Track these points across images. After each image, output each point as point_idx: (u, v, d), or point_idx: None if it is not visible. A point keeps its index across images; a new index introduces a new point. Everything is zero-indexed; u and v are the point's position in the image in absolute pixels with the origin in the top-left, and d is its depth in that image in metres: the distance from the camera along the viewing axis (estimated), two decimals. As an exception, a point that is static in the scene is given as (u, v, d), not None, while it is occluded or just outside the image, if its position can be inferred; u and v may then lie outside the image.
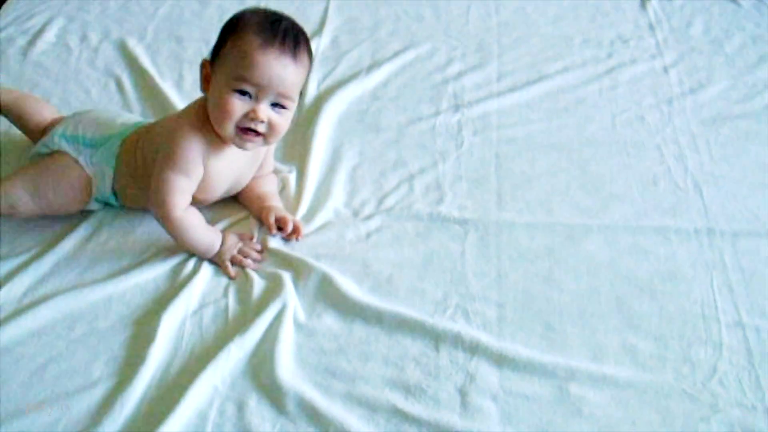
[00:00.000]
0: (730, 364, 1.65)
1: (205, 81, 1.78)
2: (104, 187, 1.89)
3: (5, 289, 1.75)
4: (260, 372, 1.60)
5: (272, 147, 1.98)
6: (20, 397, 1.55)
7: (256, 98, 1.72)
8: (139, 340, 1.65)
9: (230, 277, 1.80)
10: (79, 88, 2.37)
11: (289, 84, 1.73)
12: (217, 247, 1.82)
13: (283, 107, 1.75)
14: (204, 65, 1.78)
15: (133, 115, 2.11)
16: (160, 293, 1.76)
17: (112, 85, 2.38)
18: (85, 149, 1.88)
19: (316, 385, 1.58)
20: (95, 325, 1.69)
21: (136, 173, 1.86)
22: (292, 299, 1.73)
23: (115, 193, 1.90)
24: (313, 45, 2.51)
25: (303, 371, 1.61)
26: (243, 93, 1.71)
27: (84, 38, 2.59)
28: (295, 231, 1.89)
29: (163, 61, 2.49)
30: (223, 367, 1.60)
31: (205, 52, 2.39)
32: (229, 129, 1.74)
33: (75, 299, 1.73)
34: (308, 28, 2.59)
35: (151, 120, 2.02)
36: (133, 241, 1.88)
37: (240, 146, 1.79)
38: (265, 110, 1.73)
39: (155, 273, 1.80)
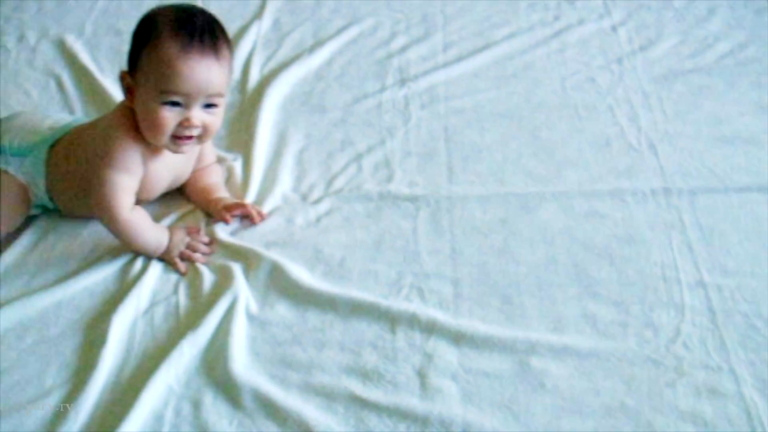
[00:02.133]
0: (693, 325, 1.62)
1: (128, 92, 1.73)
2: (40, 193, 1.84)
3: (-48, 303, 1.70)
4: (214, 368, 1.56)
5: None
6: (-28, 413, 1.51)
7: (186, 106, 1.68)
8: (91, 345, 1.61)
9: (180, 274, 1.76)
10: (18, 90, 2.32)
11: (217, 85, 1.69)
12: (165, 244, 1.78)
13: (214, 106, 1.71)
14: (123, 77, 1.73)
15: (64, 115, 2.03)
16: (109, 295, 1.72)
17: (53, 85, 2.33)
18: (12, 159, 1.83)
19: (272, 377, 1.55)
20: (46, 332, 1.65)
21: (70, 180, 1.81)
22: (243, 291, 1.69)
23: (51, 199, 1.85)
24: (254, 29, 2.51)
25: (258, 364, 1.57)
26: (173, 104, 1.67)
27: (21, 38, 2.53)
28: (258, 214, 1.87)
29: (103, 56, 2.44)
30: (177, 365, 1.55)
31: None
32: (164, 141, 1.71)
33: (24, 307, 1.68)
34: (248, 12, 2.59)
35: (90, 118, 1.98)
36: (79, 243, 1.84)
37: (176, 151, 1.76)
38: (198, 116, 1.69)
39: (104, 275, 1.76)
